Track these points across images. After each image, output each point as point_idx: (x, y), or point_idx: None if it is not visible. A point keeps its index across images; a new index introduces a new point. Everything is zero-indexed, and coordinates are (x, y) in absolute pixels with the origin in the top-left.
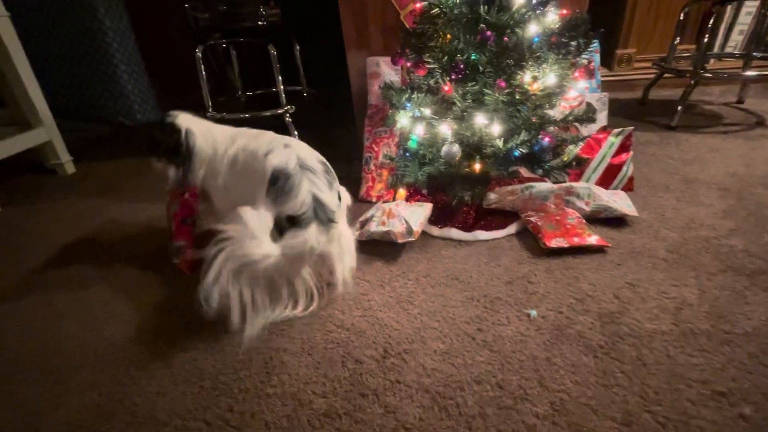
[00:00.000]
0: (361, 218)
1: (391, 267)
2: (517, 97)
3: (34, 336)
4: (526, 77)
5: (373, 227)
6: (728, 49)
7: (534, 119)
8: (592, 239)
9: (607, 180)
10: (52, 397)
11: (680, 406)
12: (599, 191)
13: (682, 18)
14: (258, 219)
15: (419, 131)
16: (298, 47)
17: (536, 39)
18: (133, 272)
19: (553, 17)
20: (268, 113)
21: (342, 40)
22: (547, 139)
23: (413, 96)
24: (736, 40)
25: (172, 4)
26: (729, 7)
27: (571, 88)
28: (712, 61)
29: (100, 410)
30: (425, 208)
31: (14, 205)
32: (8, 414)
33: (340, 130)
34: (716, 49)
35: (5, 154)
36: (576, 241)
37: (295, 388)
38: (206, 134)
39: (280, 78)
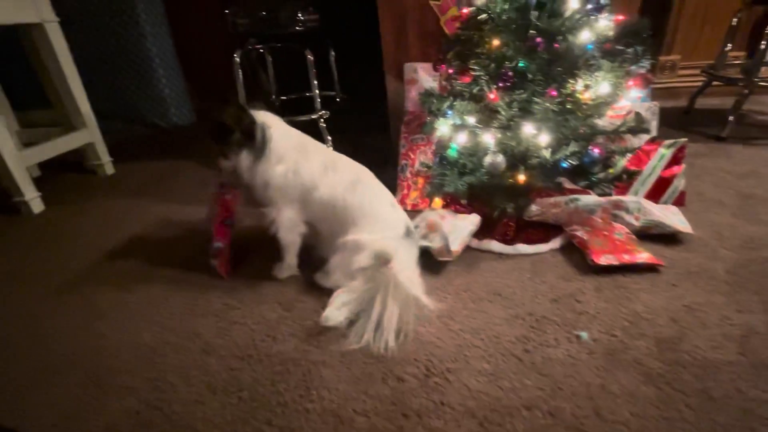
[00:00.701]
0: None
1: (429, 280)
2: (568, 106)
3: (73, 336)
4: (578, 86)
5: None
6: None
7: (583, 129)
8: (644, 257)
9: (656, 194)
10: (91, 400)
11: None
12: (650, 206)
13: (734, 24)
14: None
15: (460, 140)
16: (333, 53)
17: (590, 46)
18: (171, 274)
19: (606, 23)
20: (303, 118)
21: (378, 46)
22: (596, 151)
23: (455, 103)
24: None
25: (209, 10)
26: None
27: (623, 98)
28: (763, 68)
29: (138, 417)
30: (471, 222)
31: (57, 203)
32: (48, 415)
33: (374, 136)
34: None
35: (51, 154)
36: (626, 258)
37: (335, 405)
38: (285, 133)
39: (315, 83)
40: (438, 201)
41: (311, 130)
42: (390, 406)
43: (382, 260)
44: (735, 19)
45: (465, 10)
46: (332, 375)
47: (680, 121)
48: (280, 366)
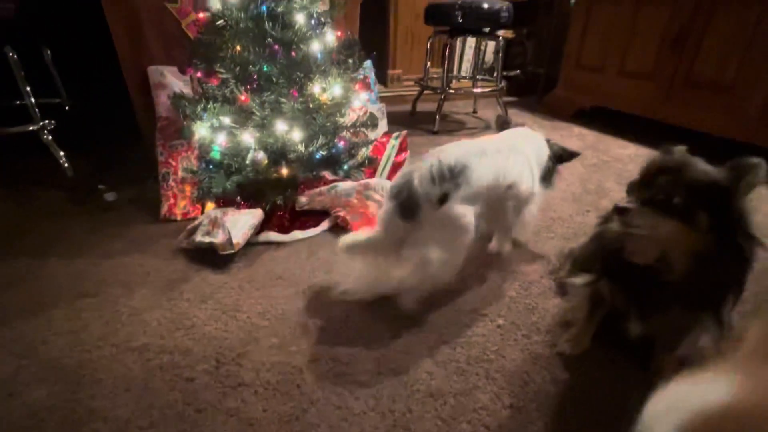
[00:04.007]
0: (189, 226)
1: (212, 280)
2: (311, 105)
3: None
4: (315, 88)
5: (198, 237)
6: (462, 73)
7: (328, 125)
8: None
9: (394, 175)
10: None
11: (462, 331)
12: (390, 184)
13: (429, 47)
14: None
15: (221, 141)
16: (49, 51)
17: (320, 55)
18: None
19: (331, 37)
20: (16, 129)
21: (112, 45)
22: (342, 143)
23: (209, 106)
24: (466, 65)
25: None
26: (458, 41)
27: (355, 99)
28: (454, 81)
29: None
30: (253, 216)
31: None
32: None
33: (125, 147)
34: (455, 72)
35: None
36: None
37: None
38: None
39: (27, 88)
40: (211, 205)
41: (33, 144)
42: (182, 408)
43: None
44: (429, 43)
45: (201, 15)
46: (105, 404)
47: (408, 121)
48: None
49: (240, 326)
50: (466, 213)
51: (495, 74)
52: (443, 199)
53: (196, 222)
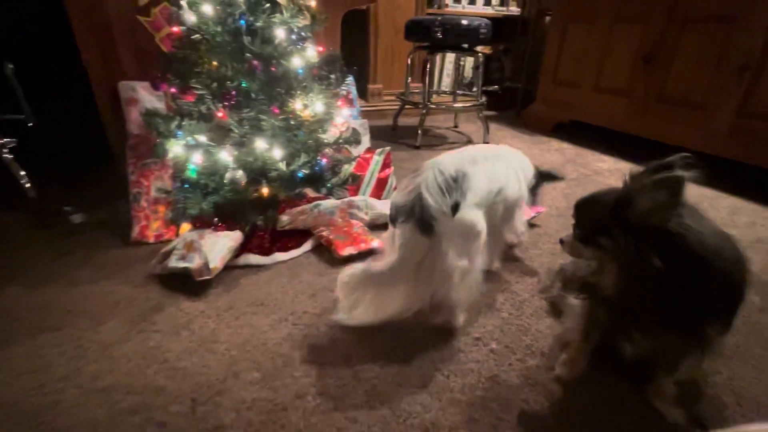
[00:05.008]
0: (163, 250)
1: (187, 309)
2: (292, 122)
3: None
4: (297, 104)
5: (173, 261)
6: (443, 88)
7: (310, 142)
8: (376, 243)
9: (378, 192)
10: None
11: (455, 357)
12: (374, 202)
13: (409, 62)
14: None
15: (197, 159)
16: (11, 66)
17: (301, 70)
18: None
19: (312, 52)
20: None
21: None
22: (324, 160)
23: (184, 123)
24: (446, 80)
25: None
26: (438, 56)
27: (338, 115)
28: (434, 96)
29: None
30: (231, 238)
31: None
32: None
33: (95, 166)
34: (435, 87)
35: None
36: (363, 246)
37: None
38: None
39: None
40: (186, 227)
41: None
42: None
43: None
44: (409, 59)
45: (176, 29)
46: None
47: (390, 135)
48: None
49: (218, 359)
50: (478, 217)
51: (475, 89)
52: (455, 208)
53: (170, 245)
